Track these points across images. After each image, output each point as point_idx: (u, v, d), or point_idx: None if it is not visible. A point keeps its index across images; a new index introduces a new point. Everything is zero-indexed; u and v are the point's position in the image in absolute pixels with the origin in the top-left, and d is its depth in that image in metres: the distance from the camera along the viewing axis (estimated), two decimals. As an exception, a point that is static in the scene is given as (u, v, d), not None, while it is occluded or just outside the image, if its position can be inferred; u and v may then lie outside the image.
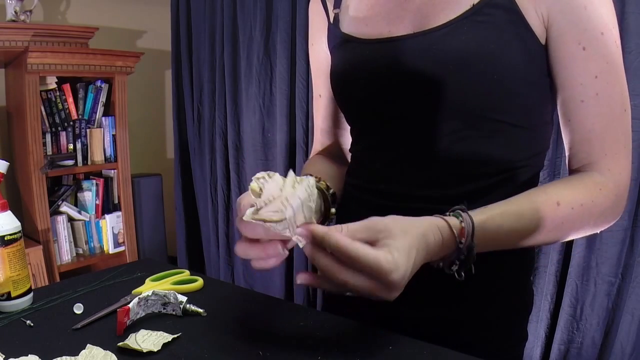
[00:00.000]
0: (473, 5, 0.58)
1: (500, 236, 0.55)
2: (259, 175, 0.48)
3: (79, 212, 2.46)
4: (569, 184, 0.59)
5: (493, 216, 0.54)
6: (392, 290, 0.47)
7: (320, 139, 0.84)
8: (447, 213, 0.54)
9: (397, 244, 0.46)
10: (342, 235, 0.46)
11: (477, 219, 0.52)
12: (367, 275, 0.45)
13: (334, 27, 0.71)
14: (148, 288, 0.74)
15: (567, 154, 0.62)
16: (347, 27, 0.69)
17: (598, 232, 0.61)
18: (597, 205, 0.57)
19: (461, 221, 0.52)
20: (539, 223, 0.55)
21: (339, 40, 0.70)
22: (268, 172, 0.49)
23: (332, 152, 0.83)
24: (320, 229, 0.46)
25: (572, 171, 0.61)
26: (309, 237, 0.47)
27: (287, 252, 0.52)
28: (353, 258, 0.45)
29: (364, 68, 0.65)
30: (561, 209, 0.56)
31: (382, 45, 0.63)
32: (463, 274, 0.54)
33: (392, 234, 0.47)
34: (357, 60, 0.66)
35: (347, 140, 0.80)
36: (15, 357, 0.53)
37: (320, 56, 0.78)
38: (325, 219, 0.60)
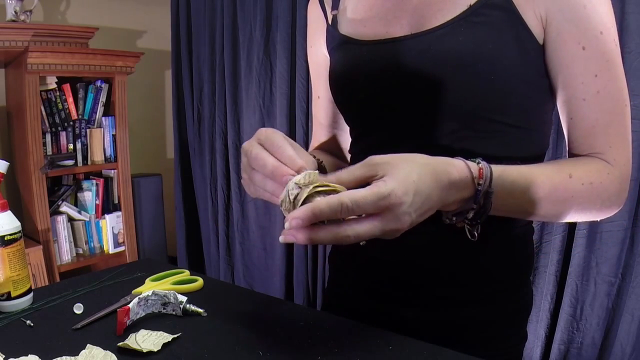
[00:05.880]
0: (470, 5, 0.57)
1: (514, 193, 0.54)
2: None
3: (79, 212, 2.46)
4: (581, 162, 0.59)
5: (510, 170, 0.54)
6: (399, 217, 0.44)
7: (319, 140, 0.84)
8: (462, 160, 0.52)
9: (393, 172, 0.45)
10: (325, 199, 0.43)
11: (495, 168, 0.52)
12: (370, 217, 0.44)
13: (332, 29, 0.71)
14: (148, 288, 0.74)
15: (568, 146, 0.62)
16: (345, 29, 0.69)
17: (598, 220, 0.61)
18: (604, 188, 0.57)
19: (478, 163, 0.51)
20: (551, 189, 0.55)
21: (337, 42, 0.70)
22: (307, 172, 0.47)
23: (331, 150, 0.83)
24: (305, 210, 0.43)
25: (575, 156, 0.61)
26: (303, 222, 0.43)
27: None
28: (350, 206, 0.42)
29: (362, 69, 0.65)
30: (572, 181, 0.56)
31: (380, 46, 0.63)
32: (475, 233, 0.53)
33: (391, 165, 0.45)
34: (355, 62, 0.66)
35: (346, 140, 0.80)
36: (15, 357, 0.53)
37: (318, 58, 0.78)
38: None
